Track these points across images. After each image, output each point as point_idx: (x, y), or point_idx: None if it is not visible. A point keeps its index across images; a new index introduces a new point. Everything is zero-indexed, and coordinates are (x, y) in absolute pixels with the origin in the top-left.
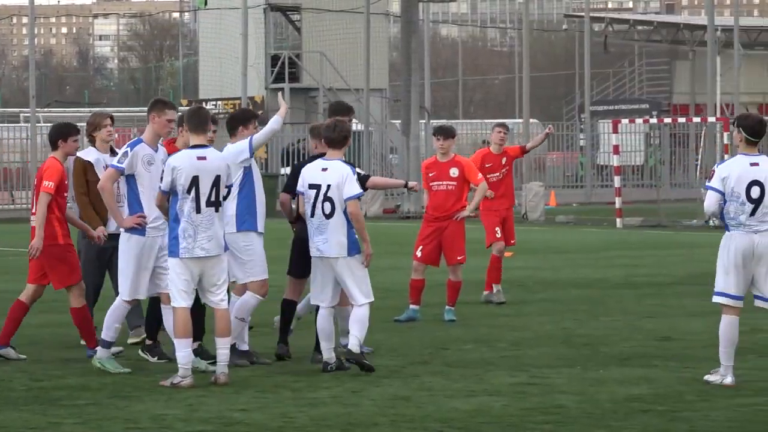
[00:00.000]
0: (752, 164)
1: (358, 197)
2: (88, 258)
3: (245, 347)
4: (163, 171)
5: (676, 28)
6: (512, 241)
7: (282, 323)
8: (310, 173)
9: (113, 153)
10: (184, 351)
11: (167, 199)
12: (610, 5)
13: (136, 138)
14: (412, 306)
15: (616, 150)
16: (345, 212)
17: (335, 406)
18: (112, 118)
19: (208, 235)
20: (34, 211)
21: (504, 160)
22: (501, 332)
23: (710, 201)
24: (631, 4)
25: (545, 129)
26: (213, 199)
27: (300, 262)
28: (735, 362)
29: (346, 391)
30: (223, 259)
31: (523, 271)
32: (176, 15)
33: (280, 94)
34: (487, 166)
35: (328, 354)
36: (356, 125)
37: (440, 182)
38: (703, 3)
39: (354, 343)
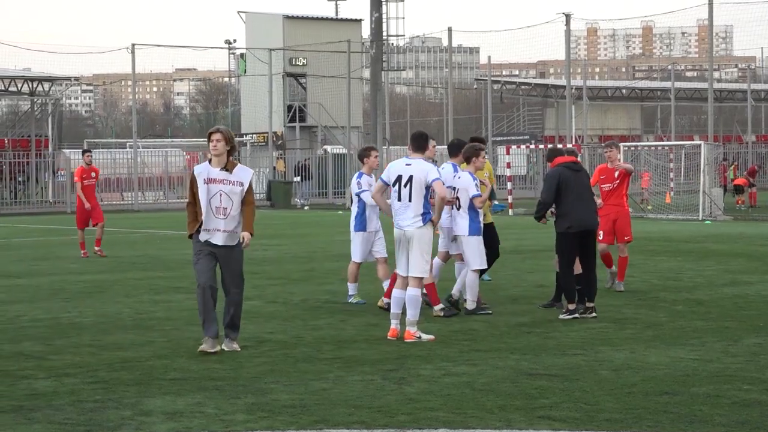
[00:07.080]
0: None
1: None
2: None
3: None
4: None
5: (546, 87)
6: (626, 237)
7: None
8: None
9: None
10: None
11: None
12: (503, 72)
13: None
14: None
15: (508, 165)
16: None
17: (329, 330)
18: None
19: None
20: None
21: (617, 174)
22: (439, 284)
23: None
24: (517, 72)
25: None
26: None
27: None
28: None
29: (336, 320)
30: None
31: None
32: (226, 79)
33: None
34: (602, 177)
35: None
36: (341, 150)
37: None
38: (563, 71)
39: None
